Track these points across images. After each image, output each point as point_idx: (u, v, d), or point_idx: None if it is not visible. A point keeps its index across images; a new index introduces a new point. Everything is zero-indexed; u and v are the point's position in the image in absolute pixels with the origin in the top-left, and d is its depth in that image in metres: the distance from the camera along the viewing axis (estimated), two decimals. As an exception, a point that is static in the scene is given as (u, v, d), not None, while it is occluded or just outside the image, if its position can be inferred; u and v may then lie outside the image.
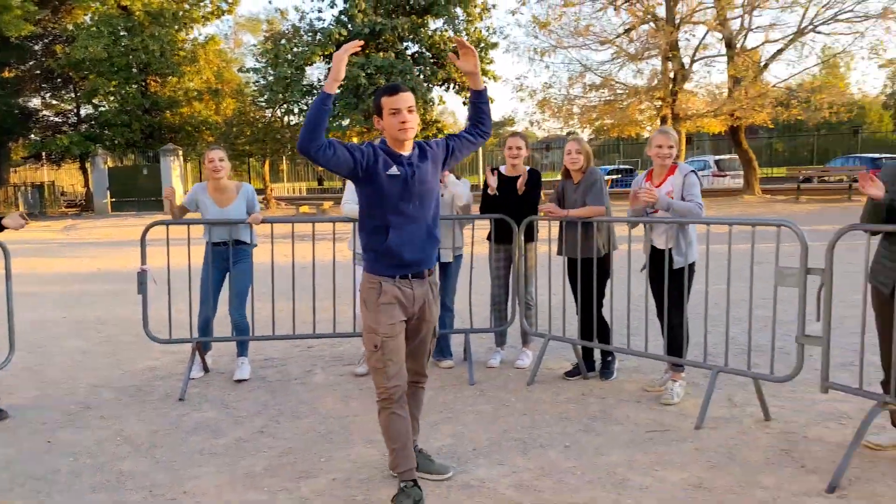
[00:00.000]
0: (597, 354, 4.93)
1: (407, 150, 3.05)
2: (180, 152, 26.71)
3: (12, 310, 4.49)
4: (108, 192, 27.18)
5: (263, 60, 25.43)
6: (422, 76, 24.40)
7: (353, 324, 5.08)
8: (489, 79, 26.12)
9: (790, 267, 3.61)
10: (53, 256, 13.42)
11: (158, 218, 5.43)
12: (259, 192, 28.10)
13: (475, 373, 4.95)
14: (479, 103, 3.17)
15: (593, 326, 4.74)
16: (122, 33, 26.48)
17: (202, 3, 28.62)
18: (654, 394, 4.44)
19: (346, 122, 24.08)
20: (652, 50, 21.19)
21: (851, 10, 19.62)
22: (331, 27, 23.81)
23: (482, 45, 25.31)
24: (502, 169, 5.25)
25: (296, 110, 26.23)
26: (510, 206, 5.08)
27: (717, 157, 26.83)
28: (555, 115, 23.42)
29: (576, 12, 22.13)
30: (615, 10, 21.81)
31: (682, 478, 3.24)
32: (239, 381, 4.97)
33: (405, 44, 25.23)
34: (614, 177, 26.08)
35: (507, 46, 25.63)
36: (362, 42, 3.01)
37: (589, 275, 4.73)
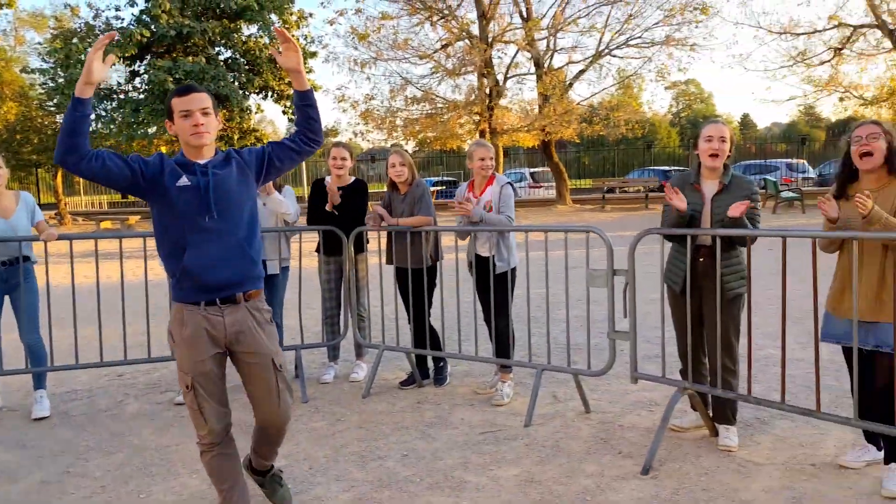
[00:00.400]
0: (430, 362, 5.01)
1: (204, 158, 2.71)
2: None
3: None
4: None
5: (51, 61, 22.88)
6: (237, 83, 23.42)
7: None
8: (310, 88, 25.62)
9: (599, 269, 3.92)
10: None
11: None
12: (51, 206, 25.26)
13: (308, 389, 4.82)
14: (304, 106, 2.80)
15: (426, 335, 4.82)
16: None
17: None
18: (486, 396, 4.60)
19: (152, 130, 22.37)
20: (468, 66, 22.14)
21: (640, 38, 21.98)
22: (131, 27, 22.04)
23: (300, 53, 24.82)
24: (328, 180, 5.17)
25: (92, 116, 23.79)
26: (338, 218, 5.02)
27: (532, 170, 28.64)
28: (378, 126, 23.60)
29: (394, 26, 22.55)
30: (432, 25, 22.51)
31: (515, 474, 3.38)
32: (38, 419, 4.40)
33: (217, 49, 24.07)
34: (439, 188, 26.82)
35: (327, 56, 25.65)
36: (115, 34, 2.69)
37: (418, 284, 4.80)
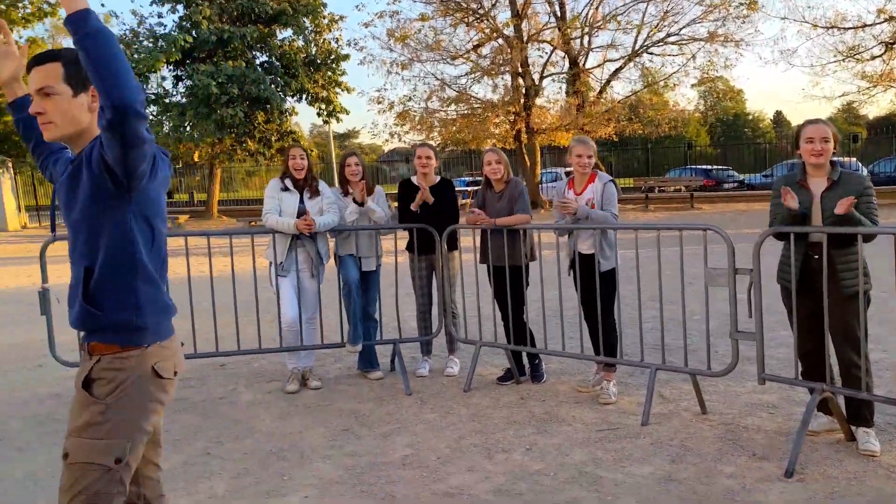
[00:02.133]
0: (524, 359, 5.07)
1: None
2: (10, 163, 23.68)
3: None
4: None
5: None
6: (275, 86, 23.64)
7: (279, 339, 4.84)
8: (342, 90, 25.89)
9: (719, 268, 3.95)
10: None
11: None
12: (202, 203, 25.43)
13: (409, 382, 4.91)
14: (76, 42, 1.73)
15: (526, 332, 4.88)
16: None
17: (21, 4, 25.51)
18: (589, 394, 4.64)
19: (197, 133, 22.71)
20: (504, 66, 22.18)
21: (678, 34, 21.83)
22: (174, 34, 22.41)
23: (333, 56, 25.12)
24: (414, 179, 5.26)
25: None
26: (428, 216, 5.10)
27: (567, 169, 28.63)
28: (415, 127, 23.73)
29: (431, 26, 22.64)
30: (466, 26, 22.56)
31: (650, 471, 3.42)
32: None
33: (254, 53, 24.39)
34: (472, 188, 26.83)
35: (363, 58, 25.50)
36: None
37: (514, 282, 4.85)
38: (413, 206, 5.10)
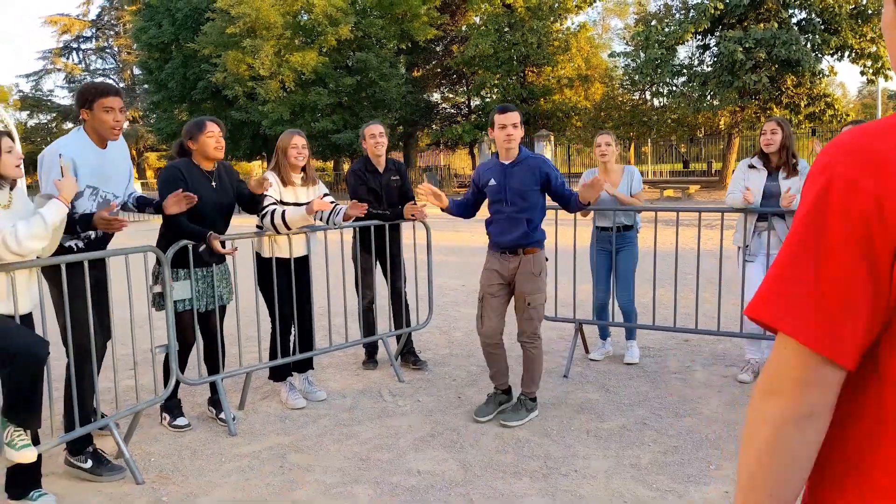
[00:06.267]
0: None
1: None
2: (552, 137, 28.16)
3: (432, 278, 5.25)
4: (491, 175, 29.92)
5: (633, 43, 25.13)
6: (809, 45, 21.42)
7: (740, 323, 4.71)
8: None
9: None
10: (450, 230, 15.28)
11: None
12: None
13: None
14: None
15: None
16: (505, 29, 28.75)
17: (574, -7, 29.25)
18: None
19: (717, 103, 22.50)
20: None
21: None
22: (705, 2, 22.36)
23: None
24: None
25: (664, 91, 25.45)
26: None
27: None
28: None
29: None
30: None
31: None
32: (629, 364, 5.06)
33: (791, 11, 22.43)
34: None
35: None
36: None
37: None
38: None
